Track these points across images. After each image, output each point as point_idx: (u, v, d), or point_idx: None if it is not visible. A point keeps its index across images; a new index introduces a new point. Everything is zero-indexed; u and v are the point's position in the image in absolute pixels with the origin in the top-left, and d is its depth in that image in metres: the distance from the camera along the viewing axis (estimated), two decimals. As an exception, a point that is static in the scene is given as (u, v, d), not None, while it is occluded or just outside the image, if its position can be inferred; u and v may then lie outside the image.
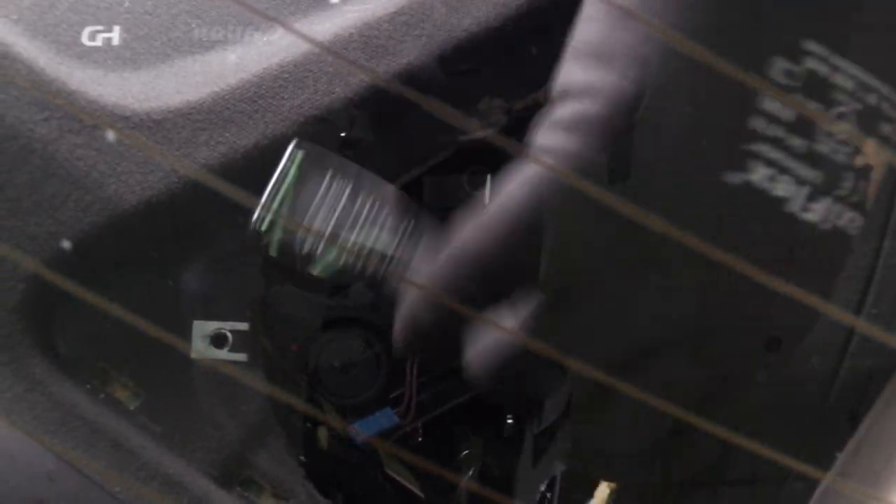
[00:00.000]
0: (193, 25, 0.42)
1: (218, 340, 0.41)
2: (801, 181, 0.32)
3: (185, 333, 0.41)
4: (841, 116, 0.32)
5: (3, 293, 0.40)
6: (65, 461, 0.39)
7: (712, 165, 0.31)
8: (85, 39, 0.41)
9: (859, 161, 0.33)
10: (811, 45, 0.31)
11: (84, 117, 0.39)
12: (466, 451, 0.53)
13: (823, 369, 0.44)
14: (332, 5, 0.42)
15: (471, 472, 0.51)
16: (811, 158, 0.32)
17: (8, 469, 0.39)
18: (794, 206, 0.32)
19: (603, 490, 0.43)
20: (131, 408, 0.41)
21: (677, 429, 0.35)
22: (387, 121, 0.42)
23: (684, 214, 0.31)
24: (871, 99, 0.32)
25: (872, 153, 0.33)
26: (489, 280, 0.33)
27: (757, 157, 0.31)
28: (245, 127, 0.40)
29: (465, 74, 0.43)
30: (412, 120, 0.42)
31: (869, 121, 0.32)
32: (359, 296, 0.51)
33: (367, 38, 0.41)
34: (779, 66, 0.31)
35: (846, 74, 0.32)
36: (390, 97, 0.41)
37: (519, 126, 0.38)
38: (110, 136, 0.38)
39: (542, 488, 0.56)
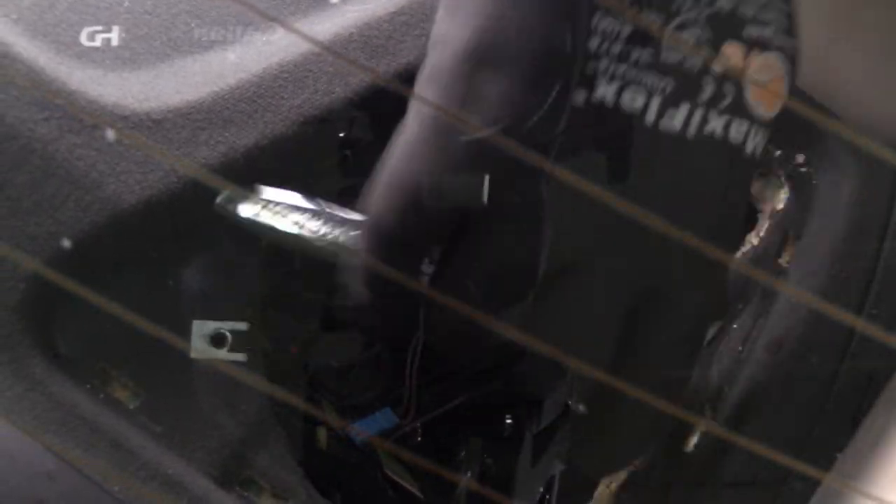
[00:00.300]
0: (193, 25, 0.42)
1: (217, 340, 0.41)
2: (650, 90, 0.32)
3: (185, 333, 0.41)
4: (682, 27, 0.32)
5: (4, 293, 0.40)
6: (65, 461, 0.39)
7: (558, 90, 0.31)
8: (84, 39, 0.41)
9: (718, 65, 0.32)
10: None
11: (84, 117, 0.39)
12: (465, 452, 0.53)
13: (824, 370, 0.44)
14: (333, 5, 0.42)
15: (469, 473, 0.51)
16: (658, 68, 0.32)
17: (8, 468, 0.39)
18: (650, 116, 0.32)
19: (603, 491, 0.43)
20: (131, 407, 0.41)
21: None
22: (386, 121, 0.42)
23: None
24: (724, 2, 0.32)
25: (736, 56, 0.32)
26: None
27: (598, 73, 0.32)
28: (245, 127, 0.40)
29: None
30: None
31: (724, 25, 0.32)
32: (359, 297, 0.51)
33: (367, 38, 0.41)
34: None
35: None
36: (390, 97, 0.41)
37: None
38: (110, 135, 0.38)
39: (541, 488, 0.56)
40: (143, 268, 0.41)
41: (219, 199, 0.38)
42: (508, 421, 0.54)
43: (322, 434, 0.47)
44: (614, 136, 0.32)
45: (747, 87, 0.33)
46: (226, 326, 0.41)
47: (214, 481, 0.41)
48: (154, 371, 0.41)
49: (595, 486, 0.46)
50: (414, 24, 0.41)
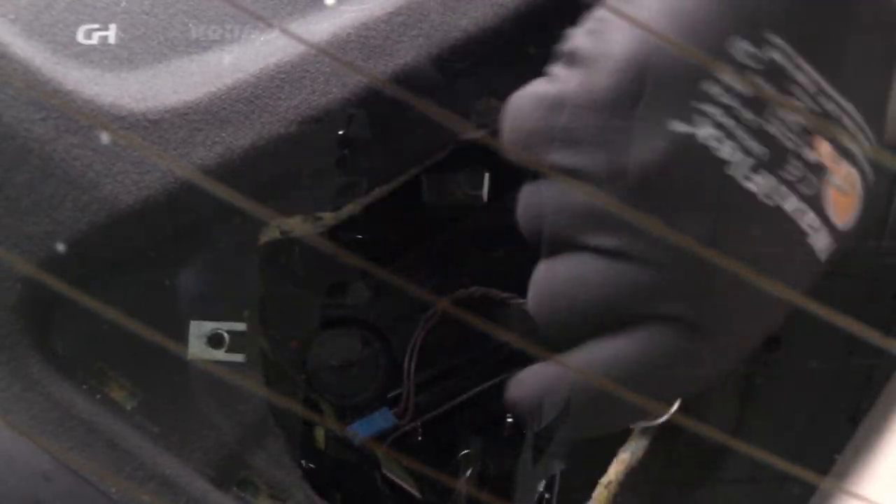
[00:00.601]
0: (190, 25, 0.42)
1: (215, 341, 0.41)
2: (746, 150, 0.33)
3: (183, 333, 0.41)
4: (795, 108, 0.33)
5: (2, 292, 0.40)
6: (61, 461, 0.39)
7: (662, 111, 0.33)
8: (80, 38, 0.41)
9: (810, 155, 0.34)
10: (775, 39, 0.33)
11: (80, 117, 0.39)
12: (465, 451, 0.53)
13: (824, 370, 0.44)
14: (330, 6, 0.42)
15: (469, 472, 0.51)
16: (759, 134, 0.33)
17: (5, 469, 0.39)
18: (737, 172, 0.33)
19: (601, 491, 0.43)
20: (128, 408, 0.41)
21: None
22: (385, 119, 0.42)
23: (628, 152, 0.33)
24: (830, 107, 0.34)
25: (827, 155, 0.34)
26: None
27: (705, 115, 0.33)
28: (242, 127, 0.40)
29: (463, 74, 0.43)
30: (411, 118, 0.42)
31: (825, 124, 0.34)
32: (357, 295, 0.51)
33: (365, 39, 0.41)
34: (740, 46, 0.33)
35: (808, 78, 0.34)
36: (388, 96, 0.41)
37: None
38: (104, 137, 0.38)
39: (541, 488, 0.56)
40: (140, 268, 0.41)
41: None
42: (509, 421, 0.54)
43: (320, 434, 0.47)
44: (696, 172, 0.34)
45: (828, 189, 0.35)
46: (223, 327, 0.41)
47: (212, 482, 0.41)
48: (151, 371, 0.41)
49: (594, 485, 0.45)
50: (411, 24, 0.41)
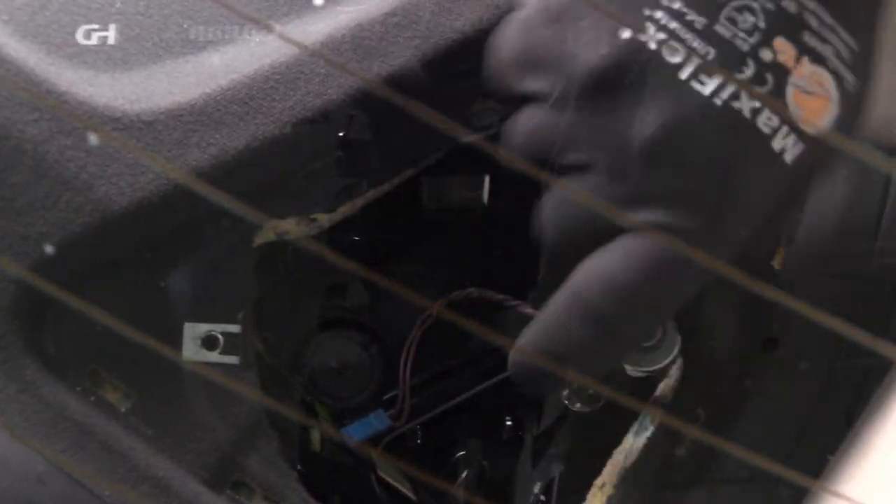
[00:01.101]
0: (185, 26, 0.42)
1: (209, 343, 0.41)
2: (692, 51, 0.34)
3: (177, 335, 0.41)
4: (745, 9, 0.34)
5: (-4, 294, 0.40)
6: (55, 464, 0.39)
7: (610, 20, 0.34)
8: (80, 38, 0.41)
9: (766, 55, 0.34)
10: None
11: (74, 118, 0.39)
12: (463, 453, 0.53)
13: (819, 370, 0.44)
14: (325, 7, 0.42)
15: (465, 475, 0.51)
16: (707, 35, 0.34)
17: (-2, 471, 0.39)
18: (684, 73, 0.34)
19: (595, 493, 0.43)
20: (122, 410, 0.41)
21: None
22: (385, 121, 0.42)
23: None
24: (790, 5, 0.34)
25: (786, 54, 0.34)
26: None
27: (651, 20, 0.34)
28: (236, 128, 0.40)
29: (458, 76, 0.43)
30: (410, 120, 0.42)
31: (783, 22, 0.34)
32: (354, 297, 0.51)
33: (359, 40, 0.41)
34: None
35: None
36: (384, 98, 0.41)
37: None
38: (92, 139, 0.38)
39: (538, 490, 0.56)
40: (134, 270, 0.41)
41: None
42: (508, 423, 0.54)
43: (316, 436, 0.47)
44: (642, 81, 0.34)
45: (790, 88, 0.34)
46: (218, 329, 0.41)
47: (205, 484, 0.41)
48: (145, 373, 0.41)
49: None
50: (406, 25, 0.41)
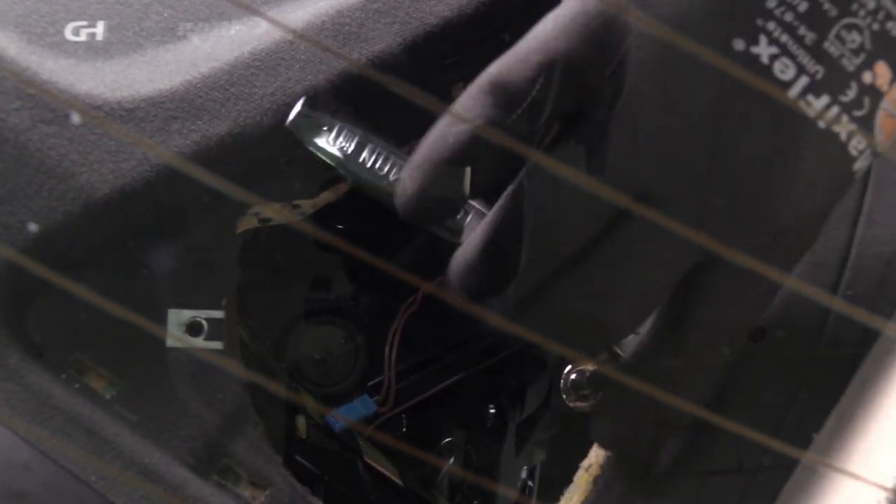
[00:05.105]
0: (165, 14, 0.42)
1: (193, 329, 0.41)
2: (802, 69, 0.33)
3: (161, 322, 0.41)
4: (853, 27, 0.33)
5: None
6: (41, 451, 0.39)
7: (724, 30, 0.33)
8: (69, 35, 0.41)
9: (867, 78, 0.34)
10: None
11: (55, 106, 0.39)
12: (448, 440, 0.53)
13: (802, 355, 0.45)
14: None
15: (451, 460, 0.52)
16: (817, 53, 0.33)
17: (-16, 460, 0.39)
18: (793, 92, 0.33)
19: (581, 475, 0.43)
20: (107, 397, 0.41)
21: None
22: (365, 106, 0.42)
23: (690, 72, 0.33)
24: (892, 28, 0.33)
25: (883, 78, 0.34)
26: None
27: (764, 31, 0.33)
28: (217, 115, 0.40)
29: (439, 61, 0.43)
30: (391, 105, 0.42)
31: (885, 46, 0.33)
32: (338, 285, 0.51)
33: (340, 26, 0.41)
34: None
35: None
36: (367, 86, 0.41)
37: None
38: (75, 118, 0.38)
39: (524, 475, 0.56)
40: (117, 257, 0.41)
41: (290, 120, 0.40)
42: (492, 410, 0.54)
43: (301, 422, 0.47)
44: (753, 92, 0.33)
45: (879, 111, 0.34)
46: (202, 315, 0.41)
47: (192, 469, 0.41)
48: (130, 360, 0.41)
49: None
50: (386, 11, 0.41)
